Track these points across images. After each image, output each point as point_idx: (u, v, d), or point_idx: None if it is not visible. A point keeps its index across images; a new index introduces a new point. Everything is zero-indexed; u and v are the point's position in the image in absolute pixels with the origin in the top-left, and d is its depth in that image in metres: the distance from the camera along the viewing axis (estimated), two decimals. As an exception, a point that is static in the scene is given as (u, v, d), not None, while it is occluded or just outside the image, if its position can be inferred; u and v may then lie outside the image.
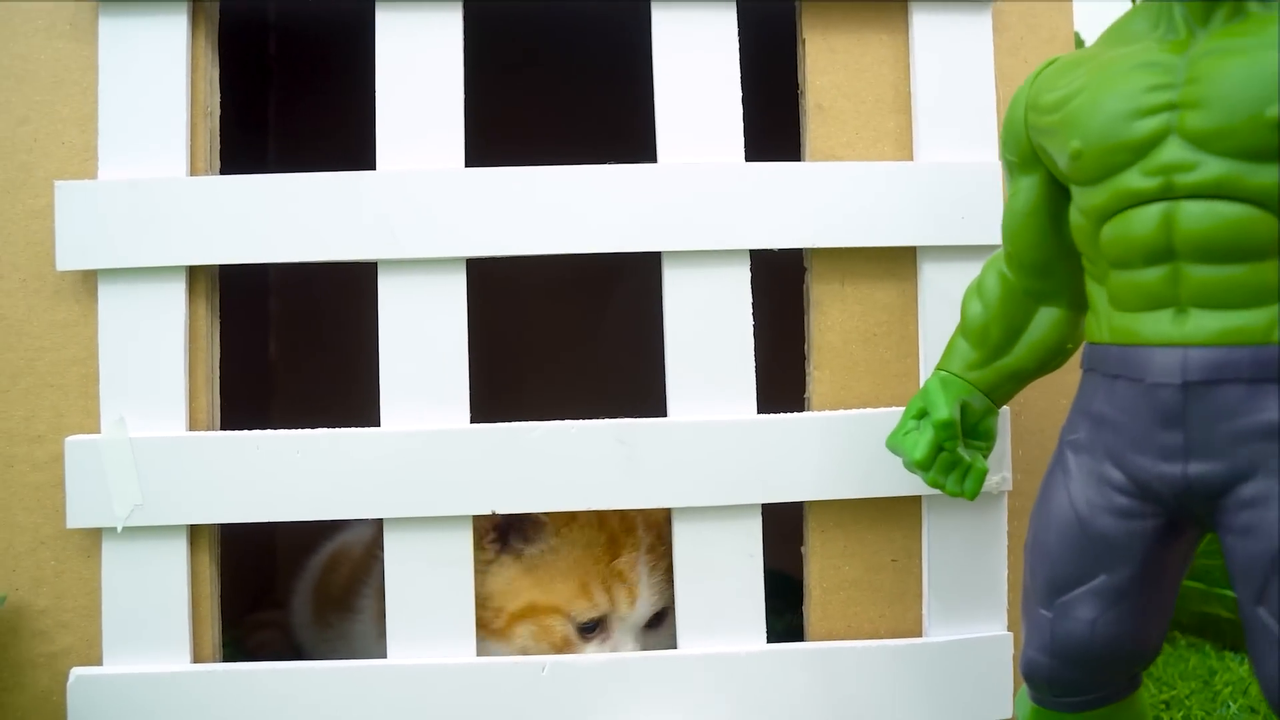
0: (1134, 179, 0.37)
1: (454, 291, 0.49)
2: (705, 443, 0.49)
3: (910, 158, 0.52)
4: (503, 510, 0.49)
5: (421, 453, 0.49)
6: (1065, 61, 0.42)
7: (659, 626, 0.55)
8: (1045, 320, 0.44)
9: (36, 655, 0.49)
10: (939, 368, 0.46)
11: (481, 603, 0.50)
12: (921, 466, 0.45)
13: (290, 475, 0.48)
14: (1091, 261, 0.40)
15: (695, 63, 0.51)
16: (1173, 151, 0.36)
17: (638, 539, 0.54)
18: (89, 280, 0.49)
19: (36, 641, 0.49)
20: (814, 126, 0.52)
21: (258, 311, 0.91)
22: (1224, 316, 0.36)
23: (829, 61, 0.52)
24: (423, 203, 0.49)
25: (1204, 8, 0.37)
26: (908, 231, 0.51)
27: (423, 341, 0.49)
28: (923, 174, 0.51)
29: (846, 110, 0.52)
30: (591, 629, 0.53)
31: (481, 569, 0.51)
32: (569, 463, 0.49)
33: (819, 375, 0.52)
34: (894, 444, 0.46)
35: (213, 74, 0.51)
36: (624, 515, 0.54)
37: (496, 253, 0.49)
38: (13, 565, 0.49)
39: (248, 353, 0.88)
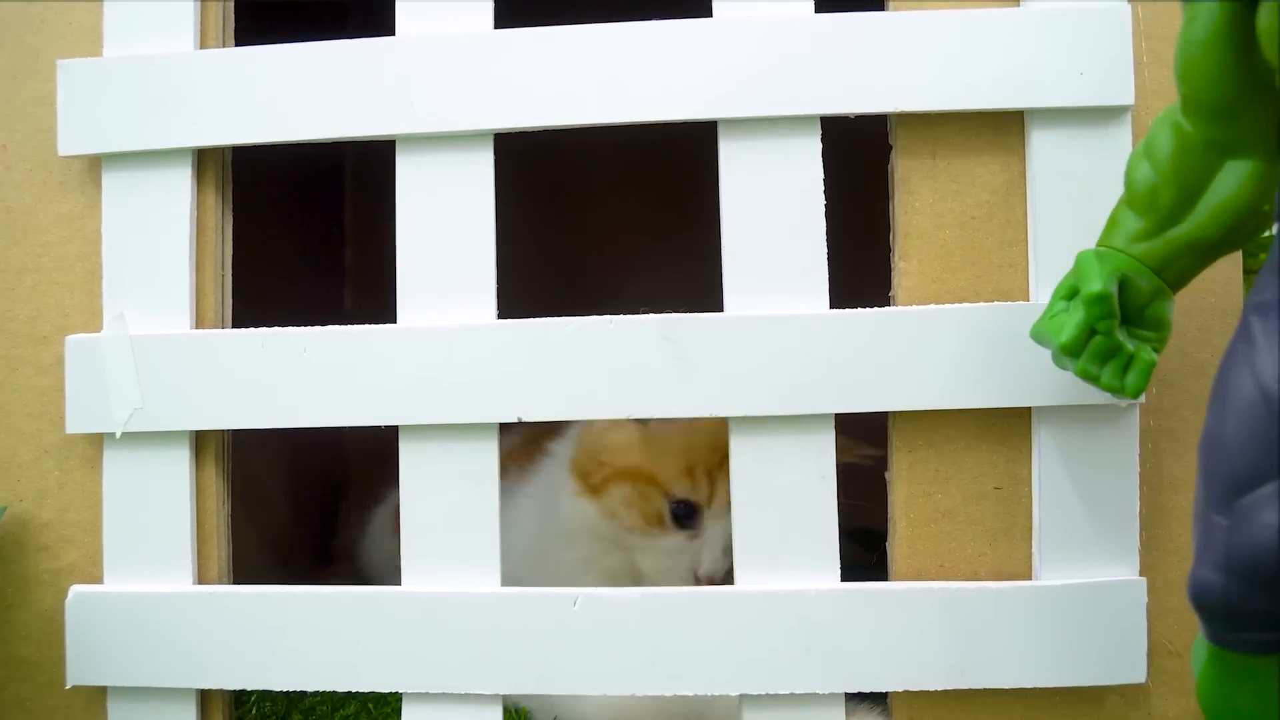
0: None
1: (480, 169, 0.44)
2: (768, 342, 0.42)
3: (1016, 2, 0.43)
4: (529, 417, 0.43)
5: (443, 351, 0.43)
6: None
7: None
8: (1232, 177, 0.35)
9: (41, 571, 0.46)
10: (1099, 243, 0.38)
11: (589, 454, 0.49)
12: (1068, 352, 0.37)
13: (300, 377, 0.43)
14: None
15: (757, -97, 0.44)
16: None
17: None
18: (94, 169, 0.46)
19: (40, 557, 0.46)
20: (899, -26, 0.44)
21: (333, 203, 0.88)
22: None
23: (918, -102, 0.44)
24: (445, 69, 0.43)
25: None
26: (1013, 92, 0.42)
27: (445, 228, 0.44)
28: (1031, 21, 0.42)
29: (939, -46, 0.44)
30: (686, 518, 0.49)
31: (605, 424, 0.49)
32: (608, 364, 0.42)
33: (906, 266, 0.43)
34: (1039, 330, 0.39)
35: (224, -53, 0.47)
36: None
37: (527, 125, 0.43)
38: (16, 475, 0.46)
39: (320, 231, 0.85)
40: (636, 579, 0.51)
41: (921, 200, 0.44)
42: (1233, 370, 0.31)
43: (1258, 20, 0.32)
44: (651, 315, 0.43)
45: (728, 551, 0.47)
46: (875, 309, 0.42)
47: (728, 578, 0.47)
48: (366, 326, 0.43)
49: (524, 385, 0.43)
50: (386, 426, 0.43)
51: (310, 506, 0.80)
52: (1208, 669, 0.33)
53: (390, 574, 0.65)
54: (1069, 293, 0.37)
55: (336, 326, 0.44)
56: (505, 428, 0.43)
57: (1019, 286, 0.43)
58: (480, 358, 0.43)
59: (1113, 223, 0.38)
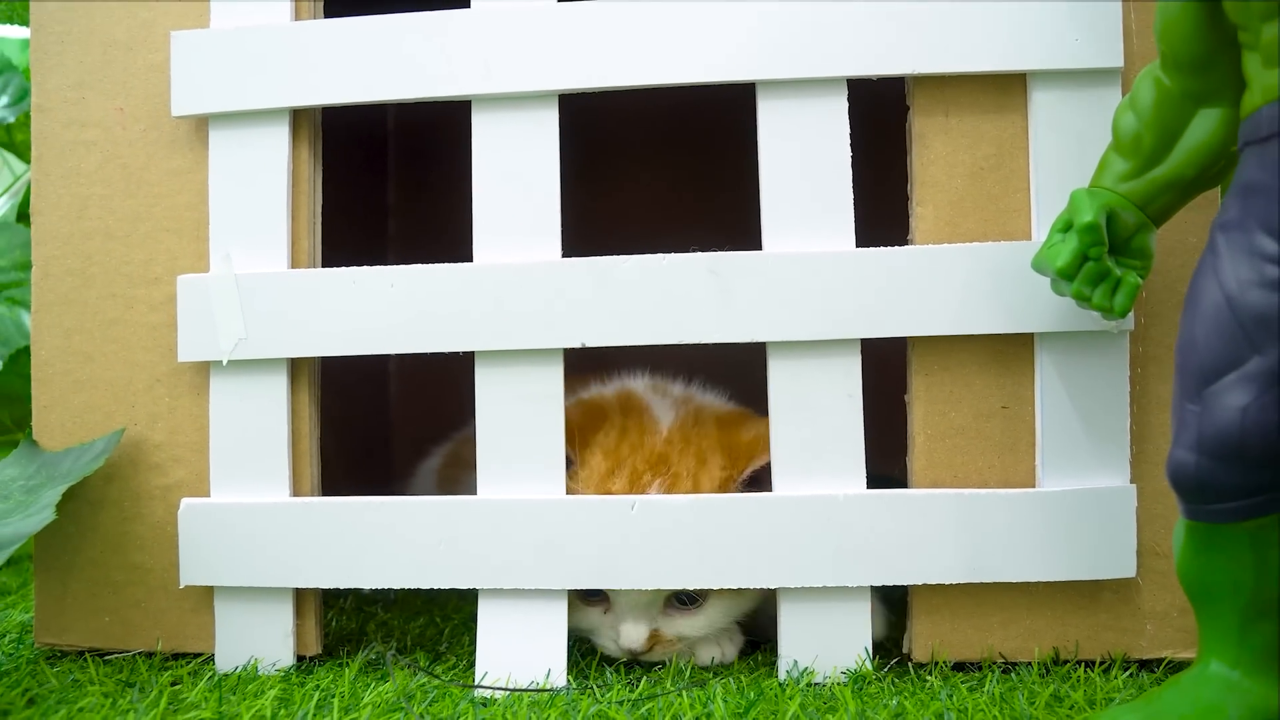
0: None
1: (547, 126, 0.49)
2: (801, 276, 0.48)
3: (1020, -22, 0.49)
4: (591, 343, 0.48)
5: (513, 286, 0.49)
6: None
7: (694, 605, 0.51)
8: (1205, 122, 0.41)
9: (153, 487, 0.51)
10: (1091, 184, 0.43)
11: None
12: (1064, 275, 0.42)
13: (385, 309, 0.49)
14: (1244, 28, 0.37)
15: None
16: None
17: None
18: (201, 128, 0.51)
19: (152, 474, 0.51)
20: (915, -45, 0.50)
21: (376, 160, 0.94)
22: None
23: (931, -113, 0.50)
24: (515, 38, 0.49)
25: None
26: (1016, 56, 0.48)
27: (516, 177, 0.49)
28: (1033, -5, 0.48)
29: (950, -65, 0.50)
30: (591, 594, 0.50)
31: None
32: (661, 296, 0.48)
33: (922, 211, 0.49)
34: (1039, 259, 0.44)
35: (318, -70, 0.53)
36: (638, 477, 0.51)
37: (588, 86, 0.49)
38: (132, 401, 0.52)
39: (366, 201, 0.90)
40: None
41: (935, 153, 0.49)
42: (1201, 279, 0.37)
43: None
44: (699, 253, 0.48)
45: (653, 618, 0.50)
46: (895, 248, 0.48)
47: (658, 645, 0.50)
48: (447, 264, 0.49)
49: (587, 316, 0.48)
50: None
51: (358, 454, 0.85)
52: (1186, 545, 0.38)
53: None
54: (1064, 225, 0.43)
55: (419, 265, 0.49)
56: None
57: (1022, 228, 0.49)
58: (547, 291, 0.48)
59: (1102, 165, 0.43)
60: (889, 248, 0.48)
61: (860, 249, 0.48)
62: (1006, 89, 0.49)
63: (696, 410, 0.56)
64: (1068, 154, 0.48)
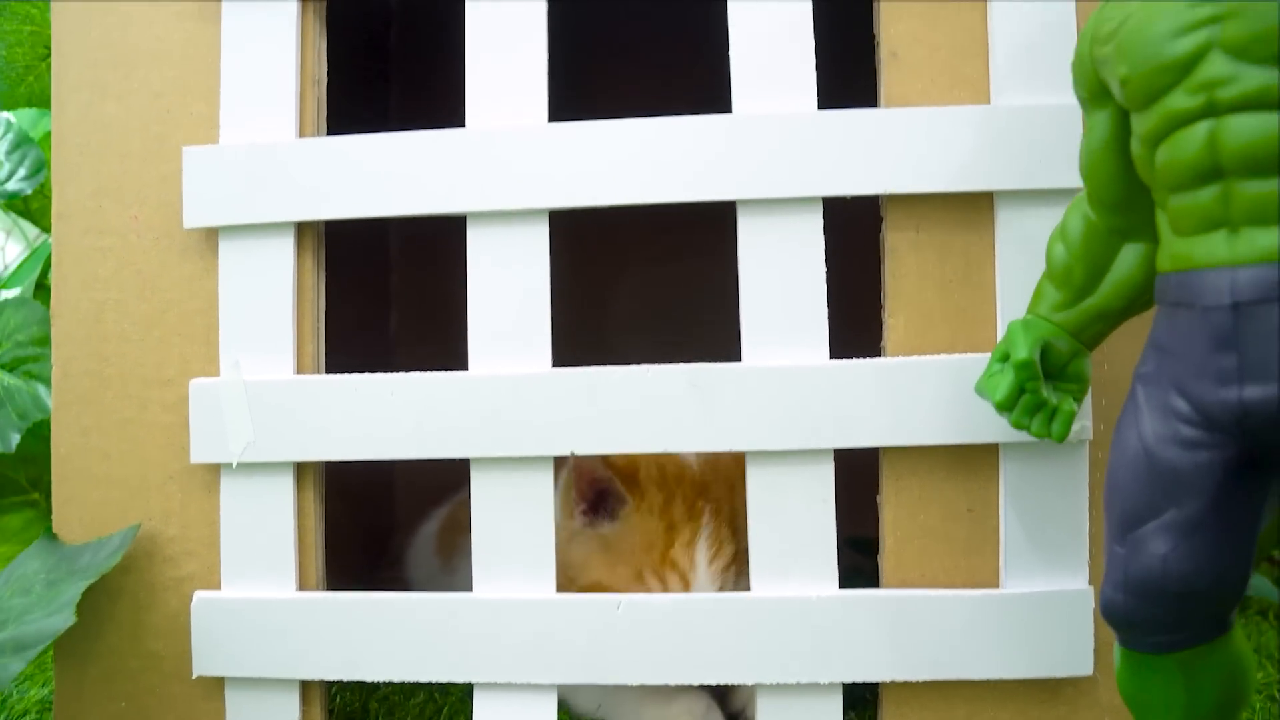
0: (1178, 99, 0.37)
1: (538, 242, 0.52)
2: (778, 387, 0.50)
3: (987, 103, 0.51)
4: (580, 451, 0.51)
5: (506, 396, 0.51)
6: None
7: None
8: (1130, 257, 0.43)
9: (166, 579, 0.54)
10: (1028, 311, 0.46)
11: (561, 569, 0.52)
12: (1003, 408, 0.45)
13: (386, 416, 0.52)
14: (1154, 190, 0.39)
15: (770, 14, 0.52)
16: (1214, 66, 0.36)
17: (698, 526, 0.55)
18: (211, 237, 0.54)
19: (166, 566, 0.54)
20: (888, 75, 0.52)
21: (380, 285, 0.97)
22: (1275, 233, 0.35)
23: (903, 9, 0.52)
24: (509, 158, 0.52)
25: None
26: (984, 176, 0.51)
27: (508, 290, 0.52)
28: (999, 117, 0.51)
29: (921, 58, 0.52)
30: None
31: (566, 538, 0.53)
32: (645, 406, 0.51)
33: (893, 323, 0.52)
34: (981, 387, 0.46)
35: (321, 45, 0.55)
36: (694, 495, 0.55)
37: (578, 204, 0.52)
38: (146, 497, 0.55)
39: (371, 325, 0.94)
40: None
41: (907, 266, 0.52)
42: (1124, 427, 0.40)
43: (1131, 144, 0.40)
44: (681, 365, 0.51)
45: None
46: (867, 360, 0.51)
47: None
48: (444, 374, 0.52)
49: (575, 424, 0.51)
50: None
51: (363, 508, 0.88)
52: (1122, 666, 0.41)
53: (431, 589, 0.73)
54: (1002, 356, 0.45)
55: (418, 373, 0.52)
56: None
57: (989, 339, 0.51)
58: (538, 401, 0.51)
59: (1037, 293, 0.46)
60: (861, 360, 0.51)
61: (834, 361, 0.51)
62: (975, 205, 0.52)
63: None
64: (1032, 269, 0.50)
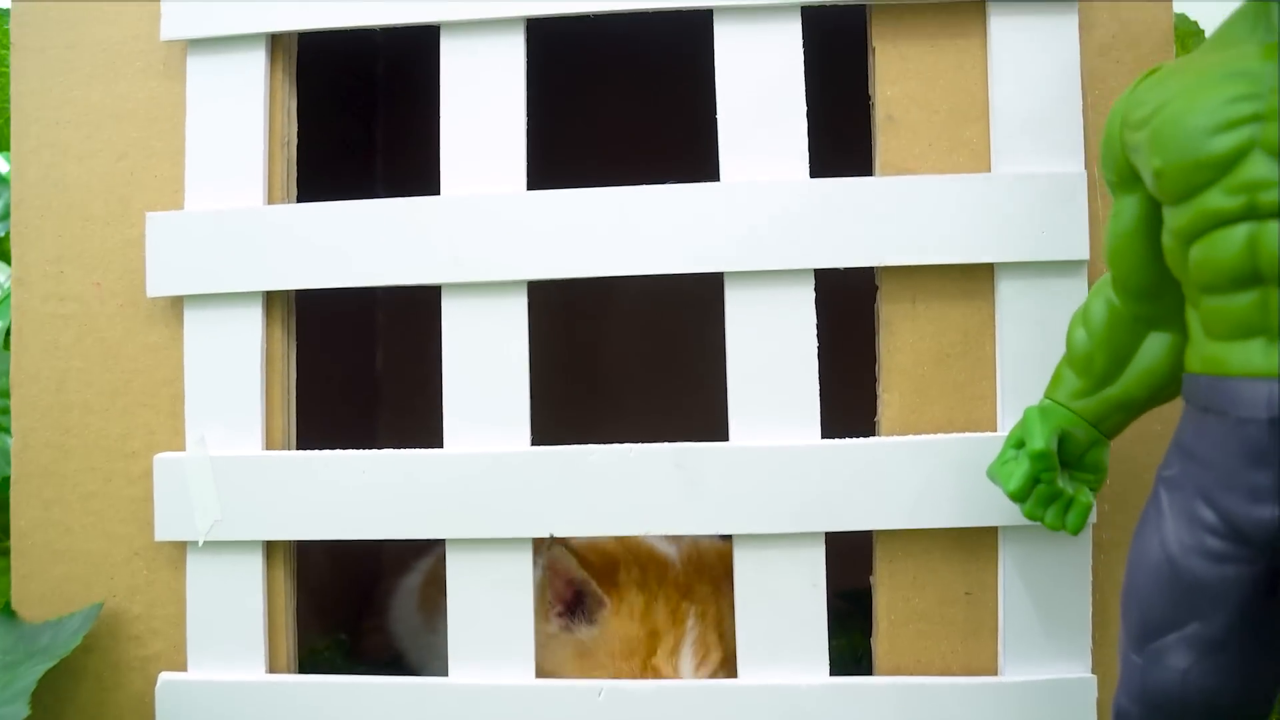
0: (1216, 198, 0.34)
1: (515, 315, 0.50)
2: (766, 468, 0.48)
3: (988, 170, 0.49)
4: (561, 533, 0.49)
5: (483, 475, 0.49)
6: (1165, 70, 0.39)
7: None
8: (1155, 347, 0.41)
9: (131, 658, 0.52)
10: (1045, 395, 0.44)
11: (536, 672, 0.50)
12: (1016, 498, 0.43)
13: (358, 494, 0.50)
14: (1185, 286, 0.37)
15: (758, 76, 0.50)
16: (1256, 167, 0.33)
17: (682, 632, 0.53)
18: (177, 305, 0.52)
19: (131, 645, 0.52)
20: (884, 139, 0.50)
21: (365, 327, 0.94)
22: (1317, 345, 0.33)
23: (900, 69, 0.50)
24: (485, 227, 0.50)
25: (1303, 2, 0.34)
26: (983, 248, 0.48)
27: (485, 365, 0.50)
28: (1000, 186, 0.48)
29: (919, 121, 0.50)
30: None
31: (542, 641, 0.51)
32: (628, 487, 0.49)
33: (888, 398, 0.50)
34: (993, 473, 0.45)
35: (290, 105, 0.53)
36: (676, 596, 0.53)
37: (557, 275, 0.49)
38: (110, 573, 0.52)
39: (355, 367, 0.91)
40: None
41: (902, 339, 0.50)
42: (1146, 529, 0.38)
43: (1162, 236, 0.38)
44: (666, 444, 0.49)
45: None
46: (859, 439, 0.49)
47: None
48: (418, 451, 0.50)
49: (555, 505, 0.49)
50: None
51: (347, 555, 0.86)
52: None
53: (413, 646, 0.72)
54: (1017, 443, 0.43)
55: (391, 450, 0.50)
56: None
57: (988, 417, 0.49)
58: (517, 480, 0.49)
59: (1056, 378, 0.44)
60: (854, 439, 0.49)
61: (826, 441, 0.49)
62: (974, 276, 0.49)
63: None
64: (1033, 343, 0.49)
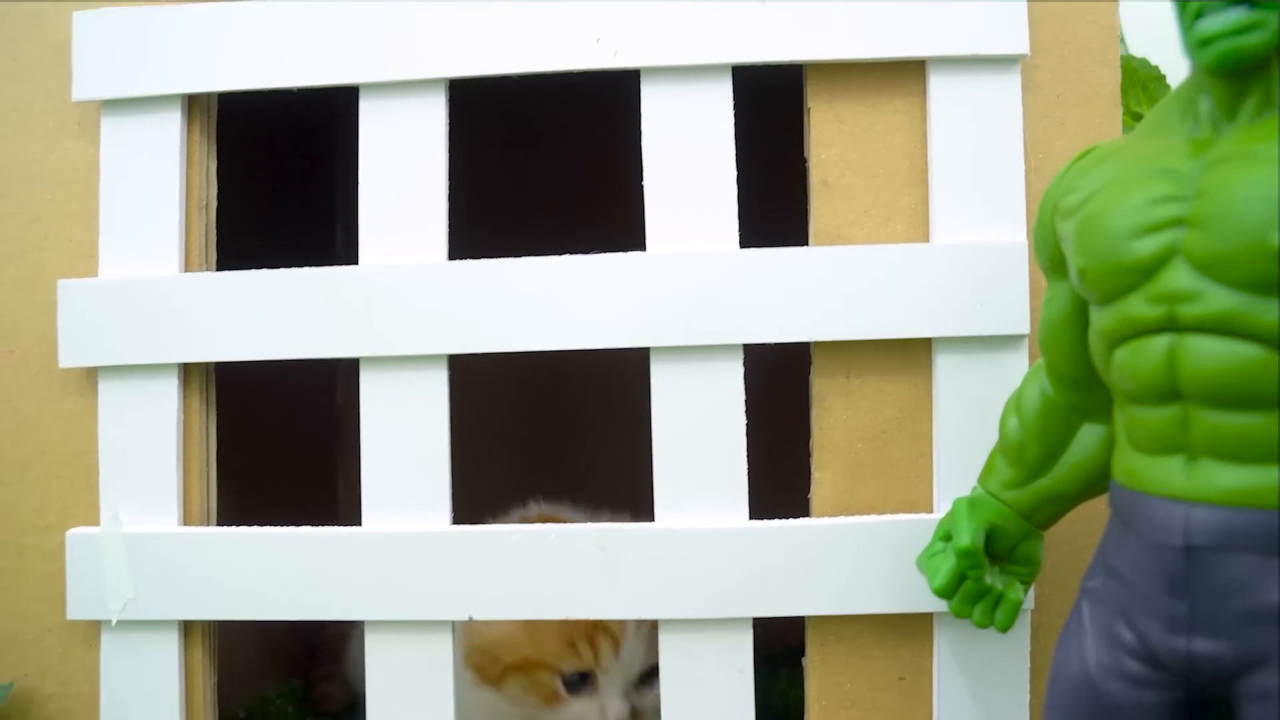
0: (1138, 305, 0.33)
1: (436, 389, 0.48)
2: (692, 551, 0.47)
3: (926, 236, 0.47)
4: (479, 616, 0.47)
5: (401, 555, 0.48)
6: (1099, 153, 0.37)
7: (655, 684, 0.53)
8: (1089, 439, 0.39)
9: (46, 738, 0.51)
10: (978, 483, 0.42)
11: (481, 652, 0.52)
12: (942, 595, 0.41)
13: (276, 573, 0.48)
14: (1111, 388, 0.35)
15: (687, 141, 0.48)
16: (1177, 277, 0.31)
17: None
18: (92, 375, 0.50)
19: (46, 725, 0.51)
20: (819, 205, 0.48)
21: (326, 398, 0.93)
22: (1236, 472, 0.31)
23: (836, 132, 0.48)
24: (404, 297, 0.48)
25: (1231, 95, 0.32)
26: (921, 322, 0.47)
27: (404, 441, 0.48)
28: (939, 257, 0.47)
29: (855, 186, 0.48)
30: (578, 683, 0.54)
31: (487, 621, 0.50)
32: (549, 568, 0.47)
33: (821, 477, 0.48)
34: (921, 564, 0.43)
35: (210, 167, 0.51)
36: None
37: (479, 349, 0.48)
38: (22, 652, 0.51)
39: (312, 440, 0.89)
40: None
41: (836, 416, 0.48)
42: (1067, 647, 0.36)
43: (1089, 333, 0.36)
44: (588, 525, 0.47)
45: (626, 695, 0.55)
46: (788, 521, 0.47)
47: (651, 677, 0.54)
48: (336, 529, 0.48)
49: (475, 586, 0.47)
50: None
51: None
52: None
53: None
54: (946, 535, 0.42)
55: (309, 528, 0.48)
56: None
57: (924, 496, 0.47)
58: (435, 561, 0.47)
59: (989, 466, 0.42)
60: (784, 521, 0.47)
61: (754, 523, 0.47)
62: (911, 350, 0.48)
63: None
64: (971, 420, 0.47)
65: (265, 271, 0.49)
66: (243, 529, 0.49)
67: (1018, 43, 0.47)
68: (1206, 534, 0.31)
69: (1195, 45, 0.32)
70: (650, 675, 0.55)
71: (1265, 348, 0.30)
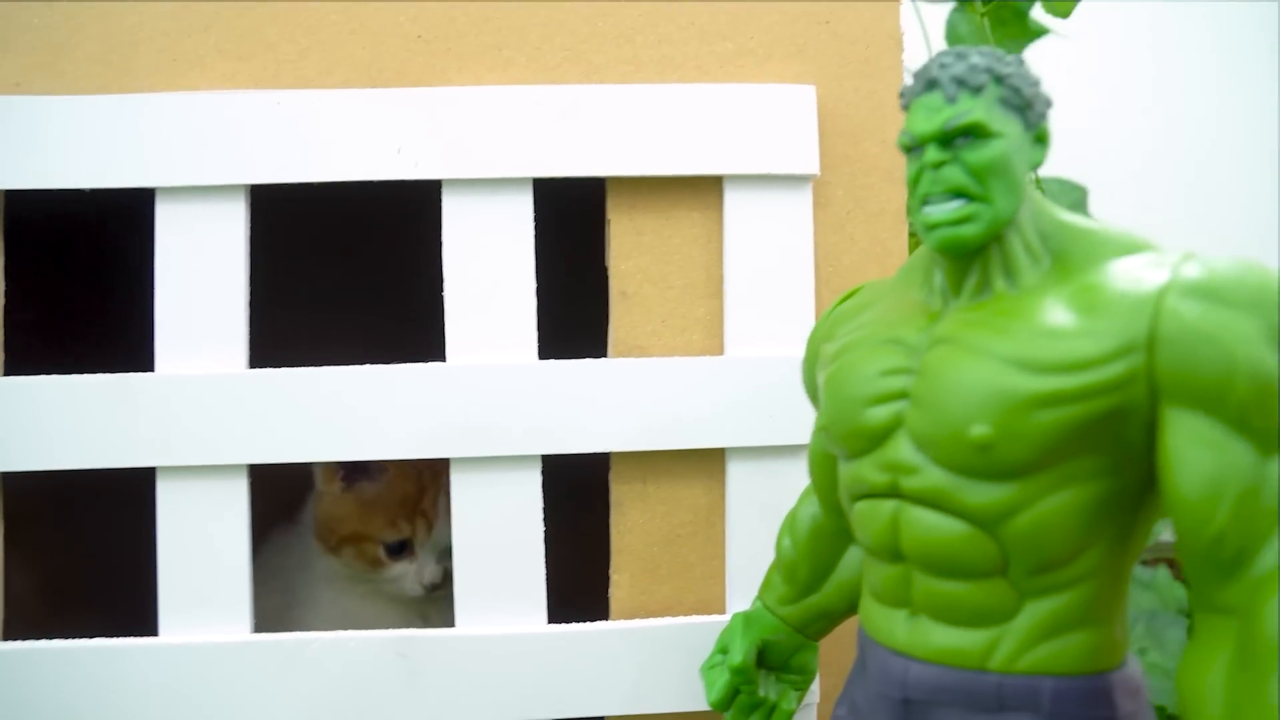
0: (870, 469, 0.35)
1: (235, 499, 0.48)
2: (491, 656, 0.48)
3: (720, 347, 0.49)
4: (278, 725, 0.48)
5: (199, 665, 0.47)
6: (860, 299, 0.39)
7: None
8: (855, 560, 0.42)
9: None
10: (757, 596, 0.44)
11: (322, 526, 0.64)
12: (717, 708, 0.43)
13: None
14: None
15: (487, 251, 0.48)
16: (901, 449, 0.34)
17: (441, 484, 0.61)
18: (-128, 481, 0.49)
19: None
20: (618, 315, 0.50)
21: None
22: (946, 633, 0.33)
23: (635, 244, 0.50)
24: (201, 406, 0.47)
25: (956, 273, 0.35)
26: (715, 433, 0.49)
27: (202, 552, 0.48)
28: (731, 369, 0.49)
29: (652, 297, 0.50)
30: (400, 551, 0.63)
31: (330, 502, 0.64)
32: (349, 677, 0.48)
33: (619, 580, 0.49)
34: (702, 673, 0.45)
35: (-3, 265, 0.50)
36: (433, 464, 0.60)
37: (279, 459, 0.48)
38: None
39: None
40: (383, 594, 0.64)
41: (633, 520, 0.49)
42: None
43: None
44: (388, 632, 0.48)
45: (440, 559, 0.63)
46: (588, 624, 0.48)
47: (445, 579, 0.61)
48: (134, 639, 0.48)
49: (274, 695, 0.48)
50: None
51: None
52: None
53: None
54: (724, 647, 0.44)
55: (105, 639, 0.48)
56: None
57: (718, 596, 0.50)
58: (232, 671, 0.47)
59: (767, 581, 0.44)
60: (581, 625, 0.48)
61: (553, 627, 0.48)
62: (705, 457, 0.49)
63: None
64: (760, 523, 0.49)
65: (55, 377, 0.48)
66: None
67: (808, 164, 0.49)
68: (921, 689, 0.33)
69: (922, 228, 0.34)
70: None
71: (972, 525, 0.32)
